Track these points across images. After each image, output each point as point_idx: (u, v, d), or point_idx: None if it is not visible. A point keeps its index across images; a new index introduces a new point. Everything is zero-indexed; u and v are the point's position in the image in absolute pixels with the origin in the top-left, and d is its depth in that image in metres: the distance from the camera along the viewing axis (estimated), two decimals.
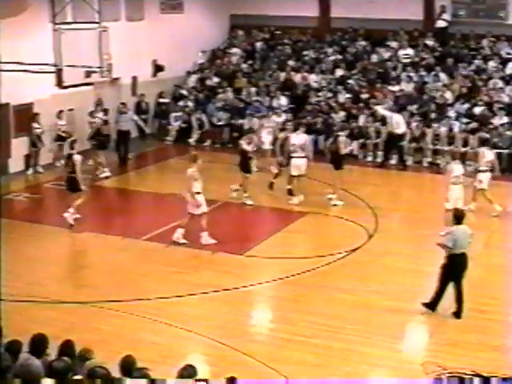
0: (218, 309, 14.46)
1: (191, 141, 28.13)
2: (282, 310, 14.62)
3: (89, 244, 17.95)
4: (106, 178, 23.59)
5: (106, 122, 24.52)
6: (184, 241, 17.42)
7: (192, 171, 17.27)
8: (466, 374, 11.66)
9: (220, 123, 28.38)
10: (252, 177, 20.72)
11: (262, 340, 13.34)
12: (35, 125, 23.78)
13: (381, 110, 25.78)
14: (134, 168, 24.78)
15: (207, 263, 16.71)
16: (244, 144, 20.60)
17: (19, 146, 23.66)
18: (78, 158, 18.60)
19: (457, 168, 18.14)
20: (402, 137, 25.04)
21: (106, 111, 24.84)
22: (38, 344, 7.99)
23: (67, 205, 18.57)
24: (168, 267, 16.50)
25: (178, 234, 17.45)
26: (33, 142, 23.88)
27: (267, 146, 23.58)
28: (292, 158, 20.58)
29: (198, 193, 17.19)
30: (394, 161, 25.19)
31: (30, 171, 23.95)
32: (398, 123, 24.98)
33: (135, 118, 26.27)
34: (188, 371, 8.25)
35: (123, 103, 25.73)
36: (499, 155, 23.42)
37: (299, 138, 20.69)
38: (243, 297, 15.04)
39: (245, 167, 20.46)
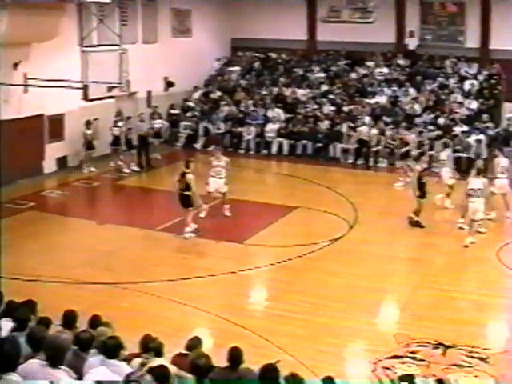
0: (222, 289, 14.49)
1: (197, 146, 28.11)
2: (276, 291, 14.65)
3: (111, 234, 17.90)
4: (133, 171, 24.23)
5: (129, 129, 24.61)
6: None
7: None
8: (430, 344, 11.74)
9: (221, 131, 28.38)
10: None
11: (258, 316, 13.37)
12: (88, 131, 23.74)
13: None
14: (149, 169, 24.77)
15: (212, 250, 16.71)
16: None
17: (52, 150, 23.65)
18: (191, 176, 17.06)
19: (476, 182, 16.82)
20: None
21: (128, 119, 24.89)
22: (69, 318, 8.02)
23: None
24: (178, 254, 16.55)
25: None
26: (87, 146, 23.90)
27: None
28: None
29: None
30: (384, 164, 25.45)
31: (85, 170, 23.92)
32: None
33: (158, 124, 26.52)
34: (195, 342, 8.31)
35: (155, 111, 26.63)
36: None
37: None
38: (243, 279, 15.06)
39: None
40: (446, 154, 20.30)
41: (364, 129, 25.68)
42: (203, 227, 17.83)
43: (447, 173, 19.81)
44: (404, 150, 23.05)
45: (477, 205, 16.59)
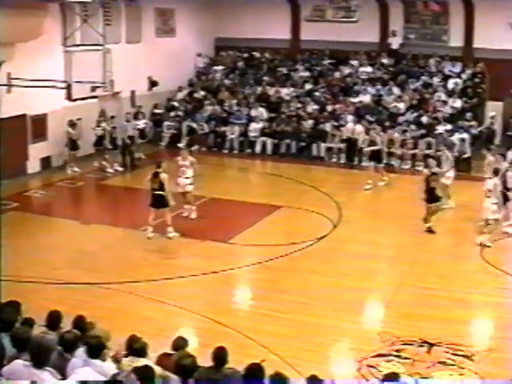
0: (206, 289, 14.48)
1: (181, 145, 28.05)
2: (260, 290, 14.65)
3: (95, 234, 17.88)
4: (117, 171, 24.27)
5: (114, 128, 24.64)
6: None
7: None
8: (415, 342, 11.79)
9: (204, 131, 28.36)
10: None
11: (243, 315, 13.39)
12: (72, 131, 23.73)
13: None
14: (133, 169, 24.71)
15: (196, 250, 16.71)
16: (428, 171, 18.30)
17: (35, 151, 23.57)
18: (164, 176, 17.06)
19: (488, 182, 16.92)
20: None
21: (112, 119, 24.91)
22: (54, 319, 7.99)
23: (147, 219, 17.28)
24: (162, 253, 16.55)
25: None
26: (71, 146, 23.91)
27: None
28: None
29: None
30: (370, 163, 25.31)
31: (69, 170, 23.89)
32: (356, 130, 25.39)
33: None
34: (180, 342, 8.30)
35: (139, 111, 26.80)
36: None
37: None
38: (228, 279, 15.05)
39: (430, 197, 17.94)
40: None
41: (350, 126, 25.67)
42: (188, 227, 17.84)
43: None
44: (369, 149, 22.88)
45: (485, 204, 16.74)
